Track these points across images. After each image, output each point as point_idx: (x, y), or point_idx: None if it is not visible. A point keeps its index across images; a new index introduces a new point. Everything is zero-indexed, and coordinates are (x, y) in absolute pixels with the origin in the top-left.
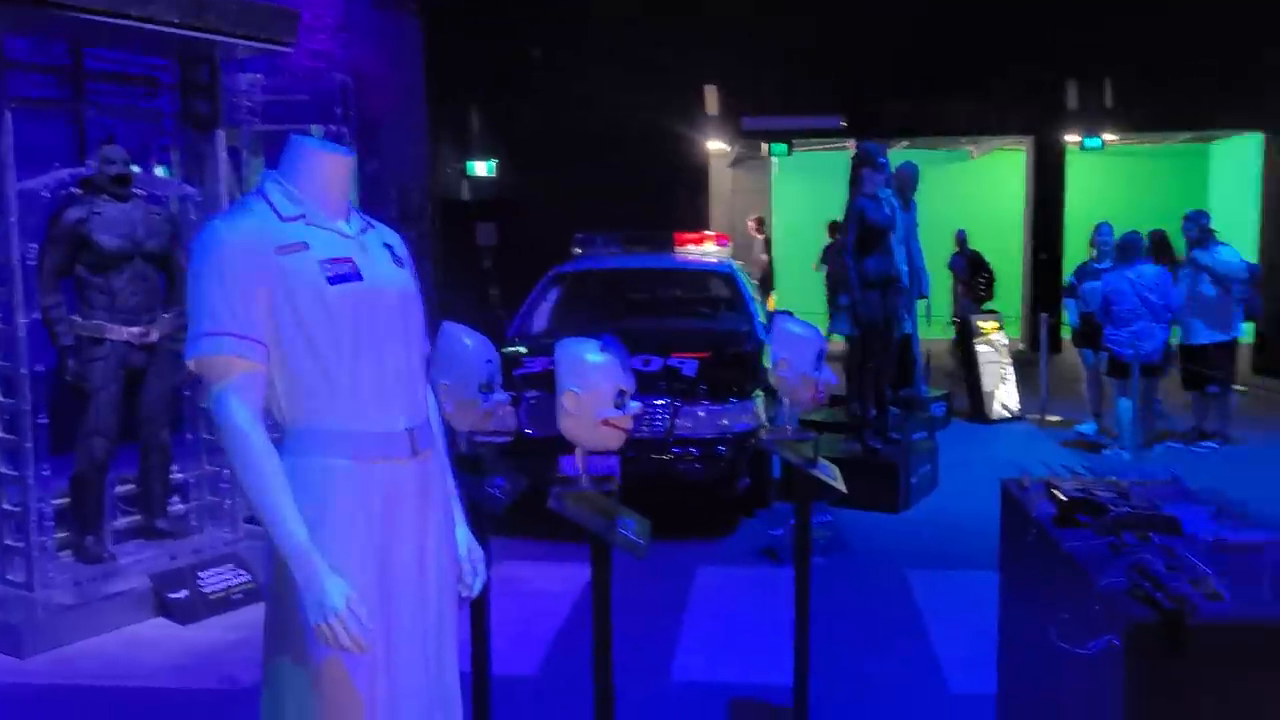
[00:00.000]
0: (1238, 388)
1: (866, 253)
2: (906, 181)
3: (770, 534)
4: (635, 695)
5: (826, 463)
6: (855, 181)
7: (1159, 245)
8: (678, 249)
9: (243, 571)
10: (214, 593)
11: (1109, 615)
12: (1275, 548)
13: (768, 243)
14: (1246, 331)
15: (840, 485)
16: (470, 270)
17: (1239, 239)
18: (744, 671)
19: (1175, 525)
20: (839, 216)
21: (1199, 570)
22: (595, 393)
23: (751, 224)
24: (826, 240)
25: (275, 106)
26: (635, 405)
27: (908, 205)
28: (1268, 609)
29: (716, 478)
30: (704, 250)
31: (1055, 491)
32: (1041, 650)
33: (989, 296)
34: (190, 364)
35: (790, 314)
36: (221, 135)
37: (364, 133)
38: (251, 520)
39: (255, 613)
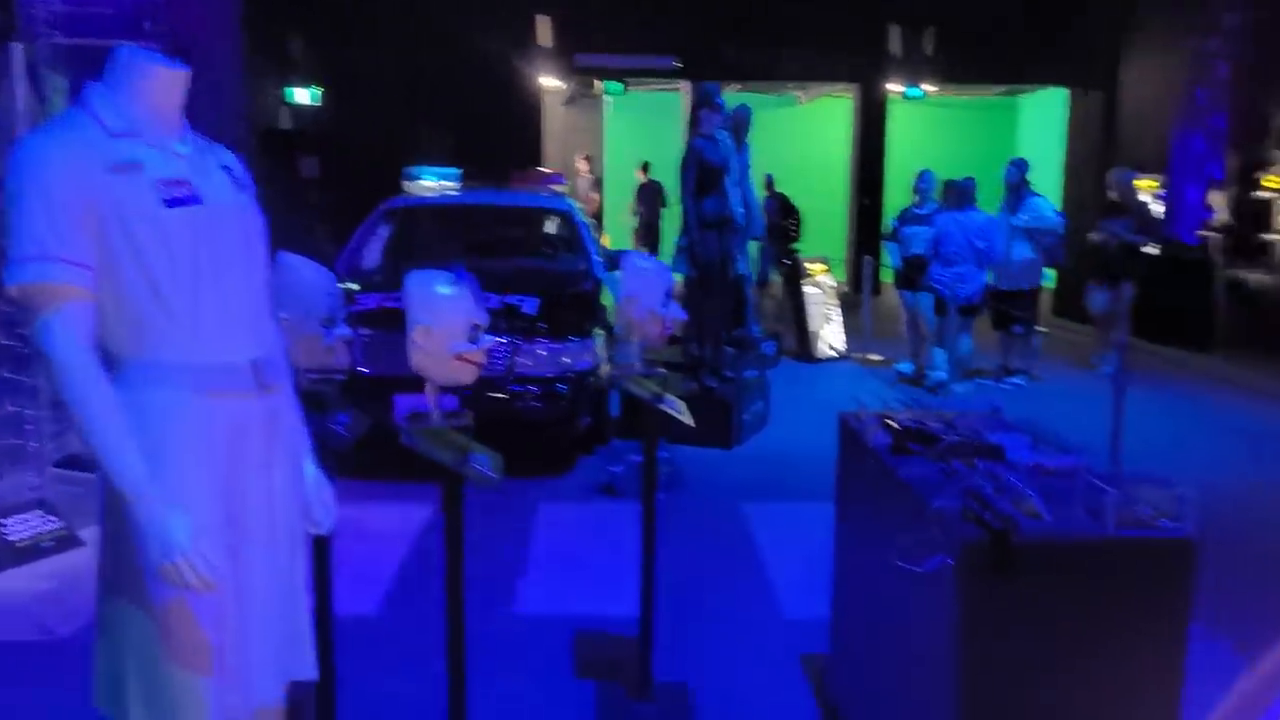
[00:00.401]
0: (1040, 329)
1: (704, 193)
2: (741, 124)
3: (609, 470)
4: (481, 630)
5: (673, 398)
6: (693, 122)
7: (959, 194)
8: (514, 186)
9: (53, 518)
10: (21, 540)
11: (943, 536)
12: (1086, 472)
13: (598, 182)
14: (1049, 277)
15: (688, 419)
16: (293, 203)
17: (1043, 190)
18: (587, 604)
19: (999, 452)
20: (652, 158)
21: (1022, 492)
22: (448, 326)
23: (580, 162)
24: (640, 180)
25: (77, 19)
26: (488, 339)
27: (741, 147)
28: (1081, 526)
29: (557, 416)
30: (540, 188)
31: (890, 422)
32: (876, 572)
33: (796, 238)
34: (12, 291)
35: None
36: (18, 49)
37: (174, 52)
38: (62, 464)
39: (68, 560)
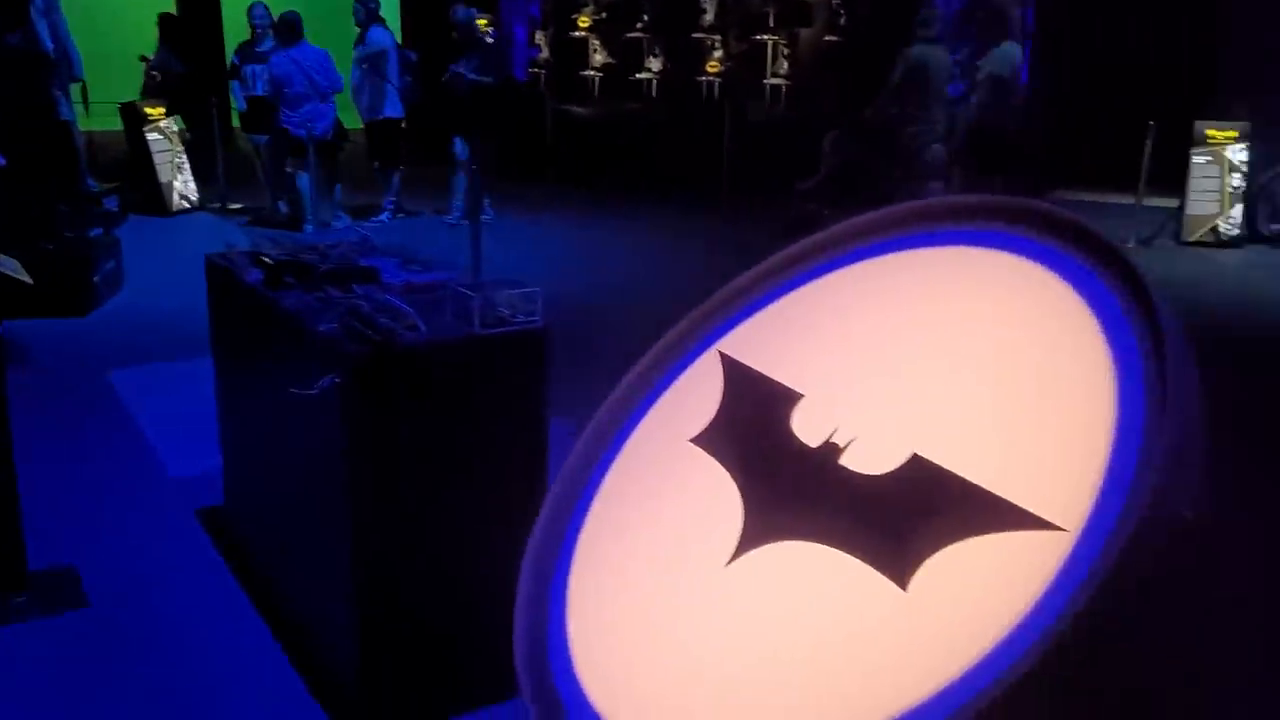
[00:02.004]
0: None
1: (3, 26)
2: None
3: None
4: None
5: (7, 257)
6: None
7: (286, 29)
8: None
9: None
10: None
11: (329, 357)
12: (452, 285)
13: None
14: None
15: (25, 277)
16: None
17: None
18: None
19: (374, 275)
20: None
21: (398, 308)
22: None
23: None
24: None
25: None
26: None
27: None
28: (452, 330)
29: None
30: None
31: (263, 259)
32: (265, 411)
33: None
34: None
35: None
36: None
37: None
38: None
39: None
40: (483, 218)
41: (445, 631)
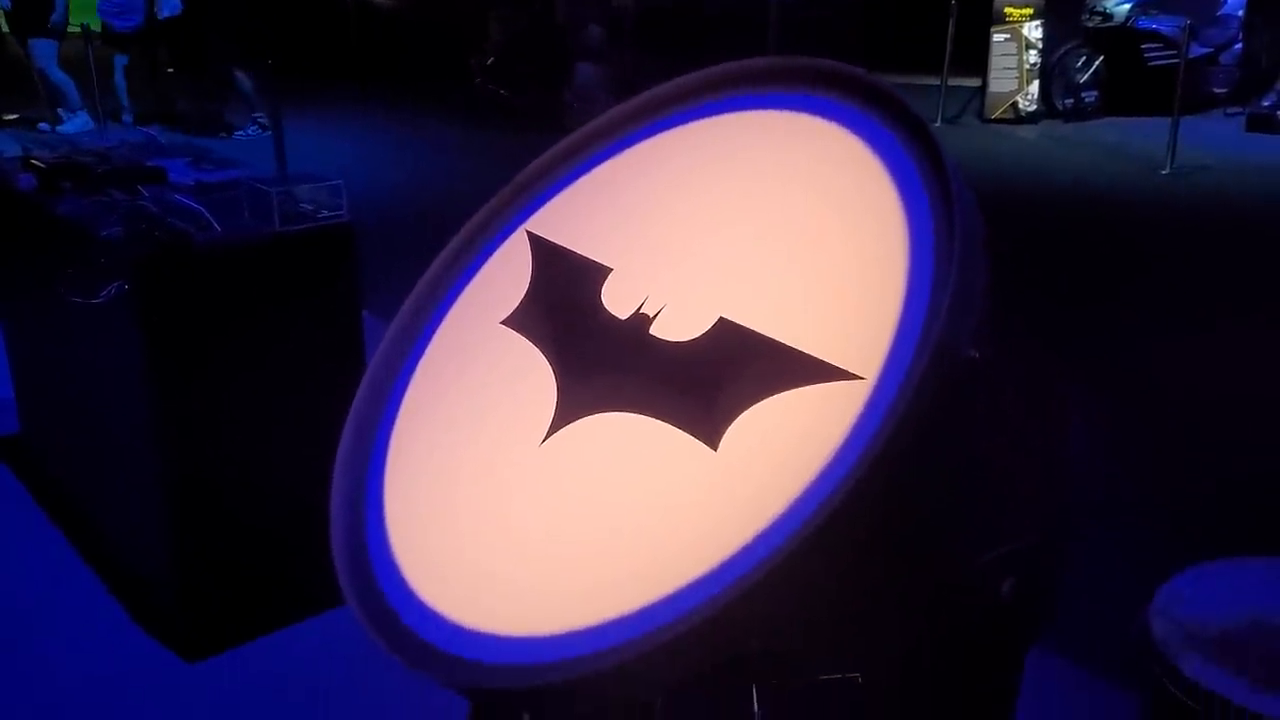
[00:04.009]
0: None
1: None
2: None
3: None
4: None
5: None
6: None
7: None
8: None
9: None
10: None
11: (115, 263)
12: (247, 182)
13: None
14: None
15: None
16: None
17: None
18: None
19: (161, 175)
20: None
21: (189, 208)
22: None
23: None
24: None
25: None
26: None
27: None
28: (250, 228)
29: None
30: None
31: (34, 162)
32: (56, 328)
33: None
34: None
35: None
36: None
37: None
38: None
39: None
40: (245, 133)
41: (268, 541)
